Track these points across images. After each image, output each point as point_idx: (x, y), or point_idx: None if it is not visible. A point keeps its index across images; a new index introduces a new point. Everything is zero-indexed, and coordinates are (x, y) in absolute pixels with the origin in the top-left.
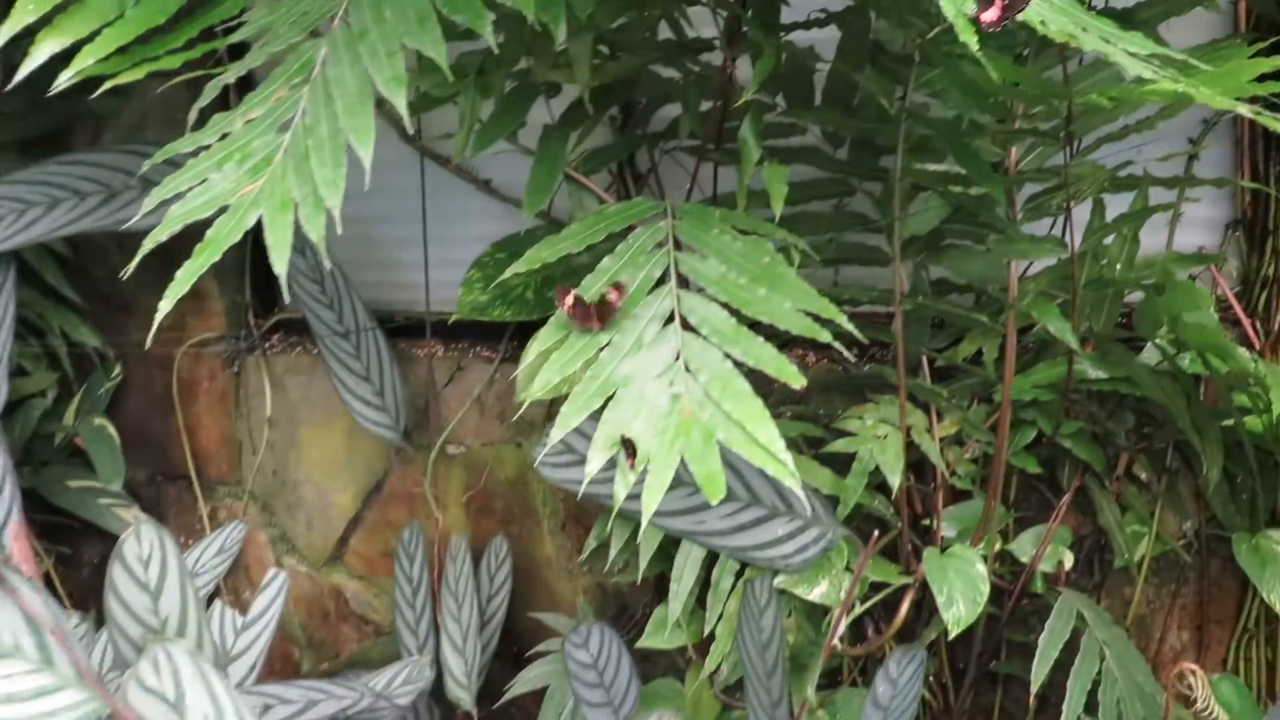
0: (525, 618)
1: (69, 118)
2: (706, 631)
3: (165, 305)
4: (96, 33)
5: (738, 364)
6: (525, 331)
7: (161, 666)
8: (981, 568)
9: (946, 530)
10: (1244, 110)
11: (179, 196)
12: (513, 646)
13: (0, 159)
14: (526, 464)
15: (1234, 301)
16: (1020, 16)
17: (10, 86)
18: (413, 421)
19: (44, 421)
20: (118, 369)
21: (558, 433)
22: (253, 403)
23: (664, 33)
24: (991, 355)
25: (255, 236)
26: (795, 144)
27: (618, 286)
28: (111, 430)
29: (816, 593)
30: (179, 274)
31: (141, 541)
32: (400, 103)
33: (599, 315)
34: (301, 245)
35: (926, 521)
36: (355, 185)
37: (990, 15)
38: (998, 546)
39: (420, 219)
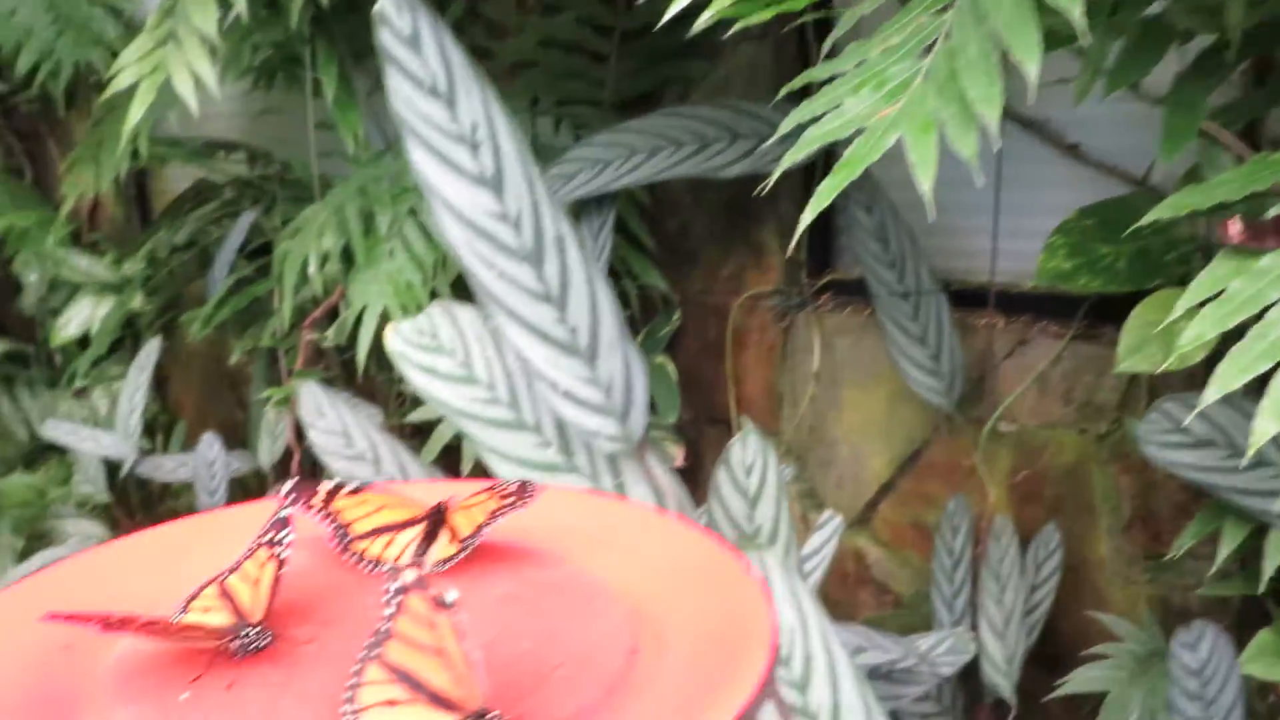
0: (1067, 617)
1: (661, 81)
2: None
3: (807, 216)
4: None
5: None
6: (1104, 307)
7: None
8: None
9: None
10: None
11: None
12: (1048, 646)
13: (602, 115)
14: (1088, 452)
15: None
16: None
17: (621, 49)
18: (964, 393)
19: None
20: (678, 314)
21: (1214, 392)
22: (799, 358)
23: None
24: None
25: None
26: None
27: None
28: (672, 369)
29: None
30: (820, 188)
31: (747, 449)
32: (1075, 13)
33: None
34: (868, 203)
35: None
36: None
37: None
38: None
39: (990, 185)
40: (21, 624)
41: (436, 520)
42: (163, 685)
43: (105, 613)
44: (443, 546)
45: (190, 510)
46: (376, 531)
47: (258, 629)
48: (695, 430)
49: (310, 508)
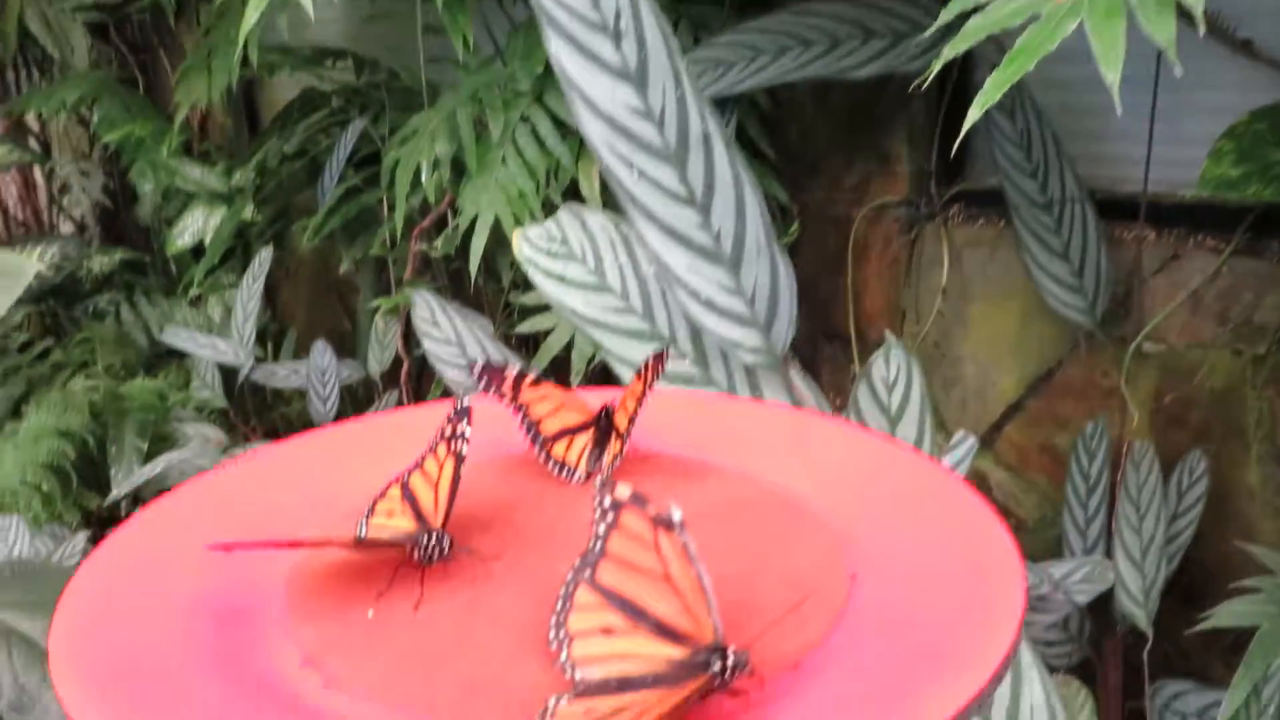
0: (1209, 548)
1: None
2: None
3: (973, 114)
4: None
5: None
6: (1270, 219)
7: None
8: None
9: None
10: None
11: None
12: (1185, 577)
13: (722, 15)
14: (1242, 375)
15: None
16: None
17: None
18: (1107, 310)
19: None
20: (795, 224)
21: None
22: (924, 271)
23: None
24: None
25: (953, 97)
26: None
27: None
28: None
29: None
30: (988, 83)
31: (890, 365)
32: None
33: None
34: (1011, 107)
35: None
36: (1069, 48)
37: None
38: None
39: (1147, 85)
40: (186, 532)
41: (606, 425)
42: (343, 601)
43: (272, 540)
44: (613, 451)
45: (303, 417)
46: (563, 433)
47: (438, 535)
48: (811, 346)
49: (501, 397)
